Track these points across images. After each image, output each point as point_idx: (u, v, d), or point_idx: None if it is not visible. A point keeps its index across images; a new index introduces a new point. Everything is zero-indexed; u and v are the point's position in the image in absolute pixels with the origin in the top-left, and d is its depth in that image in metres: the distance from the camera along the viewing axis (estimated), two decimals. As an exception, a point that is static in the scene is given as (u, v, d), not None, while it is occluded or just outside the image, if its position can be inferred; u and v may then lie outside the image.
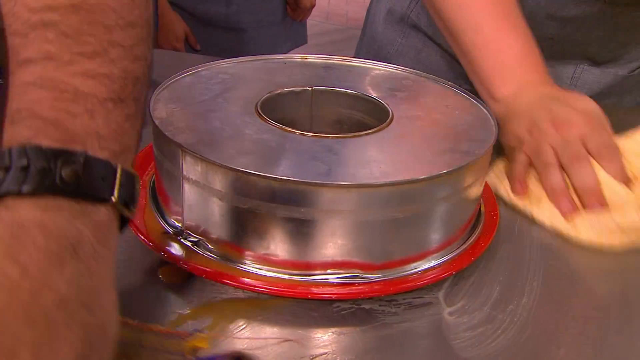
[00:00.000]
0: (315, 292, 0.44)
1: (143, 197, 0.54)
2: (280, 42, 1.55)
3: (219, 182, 0.44)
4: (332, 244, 0.44)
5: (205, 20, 1.42)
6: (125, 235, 0.49)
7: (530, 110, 0.62)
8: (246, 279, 0.45)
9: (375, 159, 0.46)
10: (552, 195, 0.58)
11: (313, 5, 1.57)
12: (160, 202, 0.52)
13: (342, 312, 0.45)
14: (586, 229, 0.56)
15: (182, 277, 0.47)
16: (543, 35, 0.74)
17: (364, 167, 0.45)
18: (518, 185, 0.60)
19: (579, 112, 0.60)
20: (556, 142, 0.59)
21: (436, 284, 0.48)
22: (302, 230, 0.44)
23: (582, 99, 0.63)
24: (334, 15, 4.97)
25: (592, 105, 0.62)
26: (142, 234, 0.48)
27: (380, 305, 0.45)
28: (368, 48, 1.03)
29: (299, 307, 0.45)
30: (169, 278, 0.47)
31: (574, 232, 0.56)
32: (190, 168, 0.46)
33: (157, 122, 0.49)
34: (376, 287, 0.45)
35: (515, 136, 0.62)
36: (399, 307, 0.46)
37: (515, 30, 0.68)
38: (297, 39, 1.64)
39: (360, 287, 0.45)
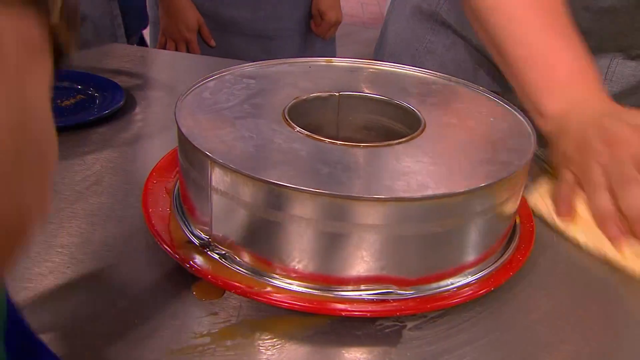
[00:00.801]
0: (349, 309, 0.43)
1: (167, 205, 0.52)
2: (307, 55, 1.45)
3: (249, 194, 0.43)
4: (366, 259, 0.43)
5: (228, 26, 1.32)
6: (152, 247, 0.49)
7: (581, 128, 0.58)
8: (277, 295, 0.43)
9: (411, 170, 0.45)
10: (599, 219, 0.55)
11: (339, 22, 1.41)
12: (185, 212, 0.51)
13: (386, 330, 0.43)
14: (634, 258, 0.52)
15: (217, 294, 0.45)
16: (578, 28, 0.70)
17: (399, 179, 0.43)
18: (563, 207, 0.57)
19: (635, 128, 0.56)
20: (606, 161, 0.55)
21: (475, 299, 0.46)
22: (335, 245, 0.42)
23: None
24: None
25: None
26: (167, 245, 0.47)
27: (423, 322, 0.44)
28: (392, 47, 1.01)
29: (341, 325, 0.43)
30: (204, 295, 0.45)
31: (622, 259, 0.52)
32: (219, 179, 0.44)
33: (183, 130, 0.48)
34: (412, 303, 0.44)
35: (563, 154, 0.59)
36: (441, 324, 0.44)
37: (567, 43, 0.65)
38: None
39: (395, 304, 0.43)
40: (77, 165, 0.62)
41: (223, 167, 0.43)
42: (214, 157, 0.44)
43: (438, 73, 0.64)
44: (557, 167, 0.61)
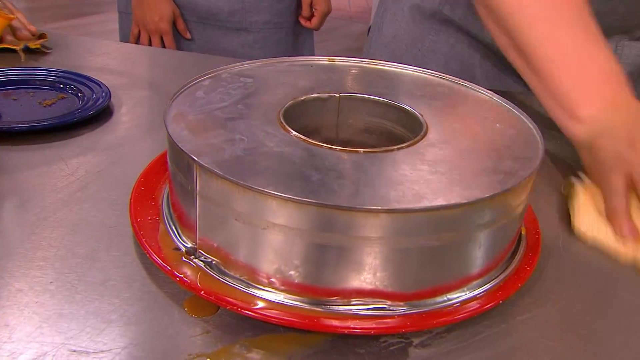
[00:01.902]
0: (350, 327, 0.40)
1: (156, 213, 0.50)
2: (288, 52, 1.41)
3: (235, 201, 0.41)
4: (357, 272, 0.41)
5: (204, 17, 1.26)
6: (141, 257, 0.47)
7: (629, 128, 0.56)
8: (271, 311, 0.41)
9: (408, 179, 0.42)
10: None
11: (329, 12, 1.40)
12: (174, 218, 0.49)
13: (391, 348, 0.41)
14: None
15: (210, 310, 0.43)
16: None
17: (395, 189, 0.41)
18: (625, 225, 0.53)
19: None
20: None
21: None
22: (324, 257, 0.40)
23: None
24: (317, 5, 4.90)
25: None
26: (156, 257, 0.45)
27: (429, 338, 0.42)
28: (393, 48, 0.98)
29: (342, 342, 0.41)
30: (195, 311, 0.43)
31: None
32: (205, 184, 0.42)
33: (170, 131, 0.46)
34: (417, 319, 0.41)
35: (614, 156, 0.55)
36: (449, 340, 0.42)
37: (596, 42, 0.62)
38: (304, 53, 1.50)
39: (398, 319, 0.41)
40: (60, 171, 0.60)
41: (208, 171, 0.41)
42: (199, 161, 0.42)
43: (445, 75, 0.62)
44: (599, 175, 0.57)
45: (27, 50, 0.90)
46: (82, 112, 0.69)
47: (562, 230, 0.56)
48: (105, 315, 0.42)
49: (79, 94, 0.75)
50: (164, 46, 1.25)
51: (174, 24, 1.25)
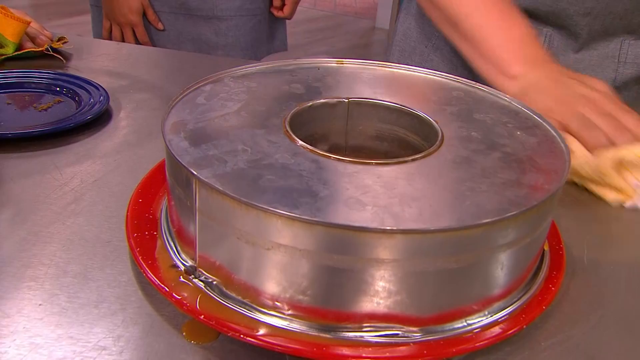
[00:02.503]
0: (363, 356, 0.37)
1: (154, 228, 0.47)
2: (263, 40, 1.39)
3: (237, 219, 0.38)
4: (369, 297, 0.38)
5: (175, 6, 1.23)
6: (137, 276, 0.44)
7: (554, 85, 0.66)
8: (276, 338, 0.38)
9: (424, 194, 0.39)
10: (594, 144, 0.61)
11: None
12: (173, 233, 0.46)
13: None
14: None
15: (211, 336, 0.40)
16: (581, 11, 0.76)
17: (410, 205, 0.38)
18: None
19: (601, 93, 0.65)
20: (590, 105, 0.63)
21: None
22: (333, 280, 0.37)
23: (598, 81, 0.67)
24: (322, 1, 4.89)
25: (607, 87, 0.67)
26: (152, 273, 0.42)
27: None
28: (402, 46, 0.99)
29: None
30: (195, 337, 0.40)
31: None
32: (205, 200, 0.39)
33: (168, 141, 0.43)
34: (435, 347, 0.38)
35: (543, 108, 0.63)
36: None
37: (517, 13, 0.73)
38: (276, 44, 1.48)
39: (415, 347, 0.38)
40: (54, 181, 0.57)
41: (208, 186, 0.38)
42: (198, 175, 0.39)
43: (460, 78, 0.59)
44: None
45: (53, 51, 0.88)
46: (79, 117, 0.66)
47: (586, 242, 0.53)
48: (97, 341, 0.39)
49: (76, 98, 0.72)
50: (136, 39, 1.22)
51: (145, 16, 1.22)
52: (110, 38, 1.25)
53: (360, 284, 0.37)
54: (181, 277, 0.43)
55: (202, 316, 0.39)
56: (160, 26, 1.22)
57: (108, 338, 0.39)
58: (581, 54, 0.82)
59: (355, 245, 0.36)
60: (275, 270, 0.38)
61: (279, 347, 0.38)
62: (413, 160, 0.44)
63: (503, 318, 0.41)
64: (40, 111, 0.70)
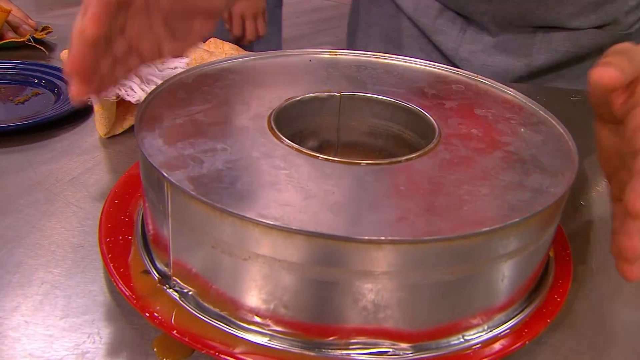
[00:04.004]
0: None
1: (129, 232, 0.44)
2: (259, 40, 1.36)
3: (212, 226, 0.34)
4: (355, 311, 0.34)
5: None
6: (110, 284, 0.41)
7: None
8: (247, 357, 0.35)
9: (418, 199, 0.36)
10: None
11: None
12: (148, 239, 0.43)
13: None
14: None
15: (185, 353, 0.37)
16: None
17: (402, 212, 0.35)
18: None
19: None
20: None
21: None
22: (317, 294, 0.34)
23: None
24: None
25: None
26: (123, 282, 0.39)
27: None
28: (354, 22, 0.97)
29: None
30: (167, 354, 0.37)
31: None
32: (178, 205, 0.36)
33: (140, 139, 0.40)
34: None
35: None
36: None
37: None
38: (271, 45, 1.44)
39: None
40: (27, 180, 0.54)
41: (180, 190, 0.35)
42: (169, 178, 0.36)
43: (460, 70, 0.55)
44: None
45: (35, 42, 0.84)
46: (58, 111, 0.63)
47: (594, 248, 0.50)
48: (59, 358, 0.36)
49: (55, 90, 0.69)
50: None
51: None
52: None
53: (347, 298, 0.34)
54: (156, 286, 0.40)
55: (175, 331, 0.36)
56: None
57: (71, 355, 0.36)
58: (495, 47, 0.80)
59: (341, 256, 0.33)
60: (254, 282, 0.35)
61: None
62: (407, 160, 0.41)
63: (504, 333, 0.38)
64: (17, 104, 0.67)
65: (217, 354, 0.35)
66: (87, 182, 0.54)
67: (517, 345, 0.37)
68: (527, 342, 0.38)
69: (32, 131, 0.61)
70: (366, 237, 0.32)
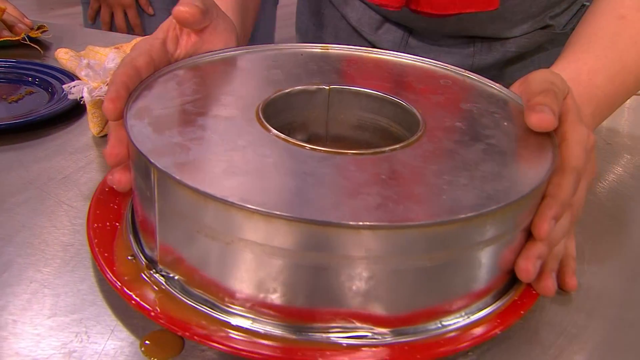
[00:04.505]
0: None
1: (117, 218, 0.45)
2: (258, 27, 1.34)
3: (196, 211, 0.36)
4: (336, 295, 0.36)
5: None
6: (100, 282, 0.41)
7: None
8: (234, 344, 0.36)
9: (399, 187, 0.37)
10: None
11: None
12: (138, 226, 0.44)
13: None
14: None
15: (172, 352, 0.37)
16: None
17: (383, 199, 0.36)
18: None
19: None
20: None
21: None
22: (297, 278, 0.35)
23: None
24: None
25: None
26: (108, 268, 0.40)
27: None
28: (297, 24, 0.97)
29: None
30: (154, 353, 0.37)
31: None
32: (164, 190, 0.37)
33: (129, 127, 0.41)
34: (408, 349, 0.36)
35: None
36: None
37: None
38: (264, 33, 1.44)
39: (386, 349, 0.36)
40: (19, 179, 0.54)
41: (166, 175, 0.36)
42: (155, 163, 0.37)
43: (449, 65, 0.56)
44: None
45: (30, 40, 0.85)
46: (49, 110, 0.63)
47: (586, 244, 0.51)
48: (46, 357, 0.36)
49: (49, 89, 0.69)
50: (128, 23, 1.19)
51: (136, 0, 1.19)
52: (94, 21, 1.22)
53: (327, 282, 0.35)
54: (143, 272, 0.41)
55: (153, 312, 0.37)
56: (150, 11, 1.20)
57: (58, 354, 0.37)
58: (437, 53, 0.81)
59: (320, 240, 0.34)
60: (236, 267, 0.36)
61: (244, 352, 0.35)
62: (391, 151, 0.42)
63: (481, 320, 0.39)
64: (10, 103, 0.67)
65: (195, 337, 0.36)
66: (79, 180, 0.55)
67: (493, 332, 0.38)
68: (501, 331, 0.38)
69: (25, 130, 0.62)
70: (344, 222, 0.33)
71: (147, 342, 0.38)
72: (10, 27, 0.86)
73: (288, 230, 0.34)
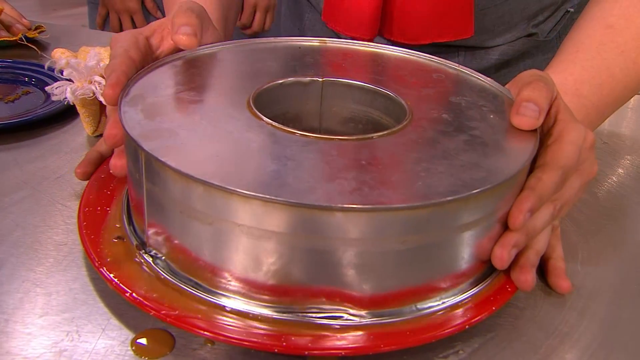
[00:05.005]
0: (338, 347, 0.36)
1: (108, 203, 0.47)
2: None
3: (179, 192, 0.37)
4: (311, 275, 0.37)
5: None
6: (95, 280, 0.42)
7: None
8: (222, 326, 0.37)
9: (377, 173, 0.38)
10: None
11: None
12: (131, 209, 0.46)
13: None
14: None
15: (163, 351, 0.38)
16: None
17: (357, 184, 0.37)
18: None
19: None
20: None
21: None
22: (271, 257, 0.37)
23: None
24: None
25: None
26: (92, 248, 0.42)
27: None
28: (284, 26, 0.97)
29: None
30: (145, 352, 0.38)
31: None
32: (151, 174, 0.39)
33: (122, 113, 0.43)
34: (384, 336, 0.37)
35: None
36: None
37: None
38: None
39: (356, 334, 0.37)
40: (14, 178, 0.55)
41: (152, 157, 0.38)
42: (142, 145, 0.38)
43: (444, 60, 0.57)
44: None
45: (27, 40, 0.86)
46: (48, 109, 0.64)
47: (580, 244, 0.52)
48: (36, 356, 0.37)
49: (46, 89, 0.70)
50: (135, 28, 1.22)
51: (143, 3, 1.21)
52: (103, 27, 1.25)
53: (300, 262, 0.36)
54: (135, 253, 0.42)
55: (133, 294, 0.39)
56: (159, 15, 1.22)
57: (48, 353, 0.38)
58: None
59: (294, 221, 0.35)
60: (216, 246, 0.38)
61: (225, 336, 0.37)
62: (374, 138, 0.43)
63: (455, 305, 0.40)
64: (7, 103, 0.68)
65: (168, 318, 0.37)
66: (74, 180, 0.55)
67: (479, 317, 0.39)
68: (471, 323, 0.39)
69: (21, 129, 0.62)
70: (317, 204, 0.34)
71: (137, 341, 0.39)
72: (8, 28, 0.88)
73: (264, 211, 0.35)
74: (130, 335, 0.39)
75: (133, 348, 0.38)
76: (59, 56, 0.67)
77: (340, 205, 0.34)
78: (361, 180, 0.37)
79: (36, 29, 0.90)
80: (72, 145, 0.62)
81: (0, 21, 0.87)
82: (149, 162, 0.39)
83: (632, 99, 0.83)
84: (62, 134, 0.64)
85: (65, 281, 0.43)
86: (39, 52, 0.86)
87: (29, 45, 0.86)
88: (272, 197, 0.34)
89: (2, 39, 0.86)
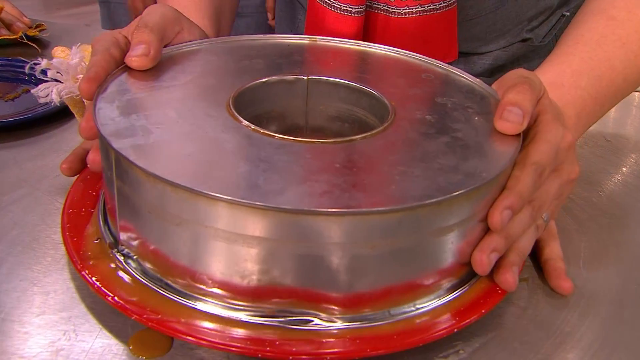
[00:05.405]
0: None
1: (92, 205, 0.47)
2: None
3: (147, 192, 0.37)
4: (278, 279, 0.36)
5: None
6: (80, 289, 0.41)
7: None
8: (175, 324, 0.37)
9: (351, 176, 0.38)
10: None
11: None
12: (106, 209, 0.46)
13: None
14: None
15: (161, 350, 0.38)
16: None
17: (328, 187, 0.36)
18: None
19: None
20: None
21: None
22: (237, 259, 0.36)
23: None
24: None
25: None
26: (75, 250, 0.41)
27: None
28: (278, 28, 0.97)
29: None
30: (142, 351, 0.38)
31: None
32: (121, 173, 0.38)
33: (97, 109, 0.42)
34: (370, 340, 0.37)
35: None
36: None
37: None
38: None
39: (348, 339, 0.37)
40: (12, 176, 0.54)
41: (121, 156, 0.37)
42: (112, 144, 0.38)
43: (435, 60, 0.56)
44: None
45: (28, 39, 0.86)
46: (46, 108, 0.64)
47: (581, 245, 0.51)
48: (33, 355, 0.37)
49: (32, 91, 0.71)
50: None
51: None
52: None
53: (267, 265, 0.36)
54: (114, 261, 0.42)
55: (112, 297, 0.38)
56: None
57: (45, 352, 0.37)
58: None
59: (261, 224, 0.34)
60: (184, 247, 0.37)
61: (183, 335, 0.36)
62: (352, 140, 0.42)
63: (429, 311, 0.39)
64: (6, 101, 0.68)
65: (141, 317, 0.37)
66: (72, 179, 0.53)
67: (469, 320, 0.39)
68: (454, 330, 0.38)
69: (21, 128, 0.62)
70: (283, 207, 0.34)
71: (135, 340, 0.39)
72: (9, 26, 0.87)
73: (230, 213, 0.34)
74: (127, 334, 0.39)
75: (130, 347, 0.38)
76: (59, 54, 0.66)
77: (306, 208, 0.34)
78: (333, 184, 0.36)
79: (37, 27, 0.90)
80: (72, 143, 0.61)
81: (1, 19, 0.87)
82: (119, 160, 0.38)
83: (637, 97, 0.81)
84: (61, 133, 0.63)
85: (63, 280, 0.43)
86: (40, 50, 0.86)
87: (30, 43, 0.86)
88: (238, 199, 0.34)
89: (2, 37, 0.85)
